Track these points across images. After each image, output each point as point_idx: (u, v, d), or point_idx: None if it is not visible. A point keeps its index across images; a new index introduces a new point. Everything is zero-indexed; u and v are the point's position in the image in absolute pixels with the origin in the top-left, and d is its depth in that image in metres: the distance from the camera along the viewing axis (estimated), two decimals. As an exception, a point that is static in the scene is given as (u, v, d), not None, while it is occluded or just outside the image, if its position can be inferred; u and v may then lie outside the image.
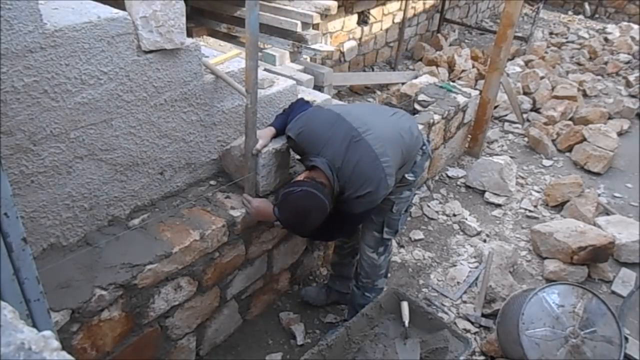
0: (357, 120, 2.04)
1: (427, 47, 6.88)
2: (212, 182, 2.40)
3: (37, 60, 1.56)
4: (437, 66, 6.16)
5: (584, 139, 4.61)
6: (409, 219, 3.46)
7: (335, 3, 4.68)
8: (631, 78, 6.37)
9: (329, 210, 1.95)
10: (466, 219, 3.63)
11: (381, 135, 2.03)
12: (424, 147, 2.28)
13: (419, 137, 2.24)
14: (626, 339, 2.33)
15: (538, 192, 4.08)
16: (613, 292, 3.06)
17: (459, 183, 4.10)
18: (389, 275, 2.79)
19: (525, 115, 5.30)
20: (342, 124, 2.02)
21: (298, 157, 2.34)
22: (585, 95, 5.96)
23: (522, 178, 4.25)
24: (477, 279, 3.03)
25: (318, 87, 4.28)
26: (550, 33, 8.67)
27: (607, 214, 3.76)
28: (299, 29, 4.42)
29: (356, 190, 1.97)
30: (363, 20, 6.00)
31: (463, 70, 6.17)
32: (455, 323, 2.75)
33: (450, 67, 6.24)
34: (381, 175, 1.97)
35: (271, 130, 2.29)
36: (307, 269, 2.96)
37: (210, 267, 2.17)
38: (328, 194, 1.94)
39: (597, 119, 5.08)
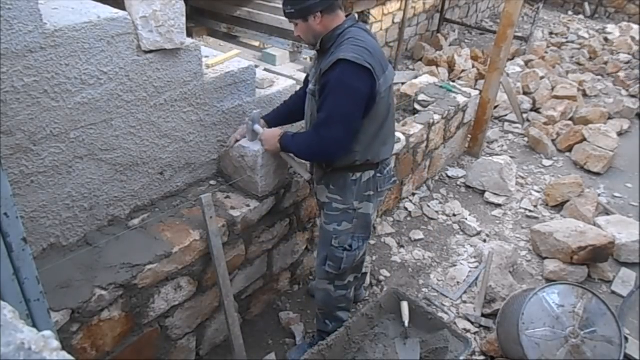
0: None
1: (427, 47, 6.88)
2: (212, 182, 2.41)
3: (37, 60, 1.56)
4: (437, 66, 6.16)
5: (584, 139, 4.61)
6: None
7: (335, 3, 4.66)
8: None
9: None
10: (466, 219, 3.63)
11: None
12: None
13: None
14: (626, 339, 2.33)
15: (538, 192, 4.07)
16: (613, 292, 3.06)
17: (459, 183, 4.10)
18: (352, 309, 2.57)
19: (525, 115, 5.30)
20: None
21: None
22: (585, 95, 5.96)
23: (522, 178, 4.25)
24: (477, 279, 3.03)
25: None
26: (550, 33, 8.67)
27: (607, 214, 3.75)
28: (299, 29, 4.42)
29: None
30: (363, 20, 6.00)
31: (463, 70, 6.17)
32: (455, 323, 2.75)
33: (450, 67, 6.24)
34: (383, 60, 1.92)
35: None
36: (307, 269, 2.96)
37: (210, 267, 2.17)
38: None
39: (597, 119, 5.08)
